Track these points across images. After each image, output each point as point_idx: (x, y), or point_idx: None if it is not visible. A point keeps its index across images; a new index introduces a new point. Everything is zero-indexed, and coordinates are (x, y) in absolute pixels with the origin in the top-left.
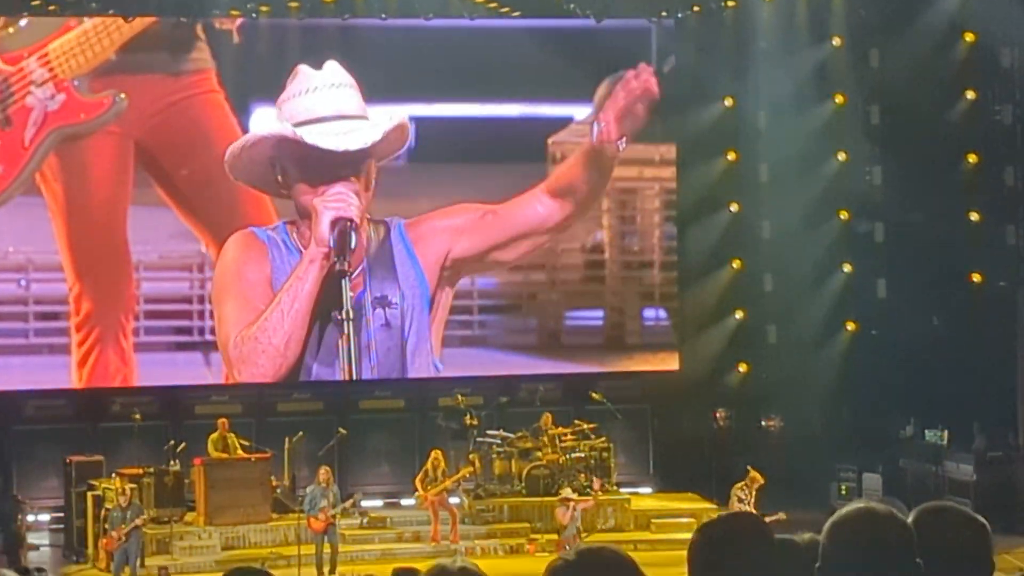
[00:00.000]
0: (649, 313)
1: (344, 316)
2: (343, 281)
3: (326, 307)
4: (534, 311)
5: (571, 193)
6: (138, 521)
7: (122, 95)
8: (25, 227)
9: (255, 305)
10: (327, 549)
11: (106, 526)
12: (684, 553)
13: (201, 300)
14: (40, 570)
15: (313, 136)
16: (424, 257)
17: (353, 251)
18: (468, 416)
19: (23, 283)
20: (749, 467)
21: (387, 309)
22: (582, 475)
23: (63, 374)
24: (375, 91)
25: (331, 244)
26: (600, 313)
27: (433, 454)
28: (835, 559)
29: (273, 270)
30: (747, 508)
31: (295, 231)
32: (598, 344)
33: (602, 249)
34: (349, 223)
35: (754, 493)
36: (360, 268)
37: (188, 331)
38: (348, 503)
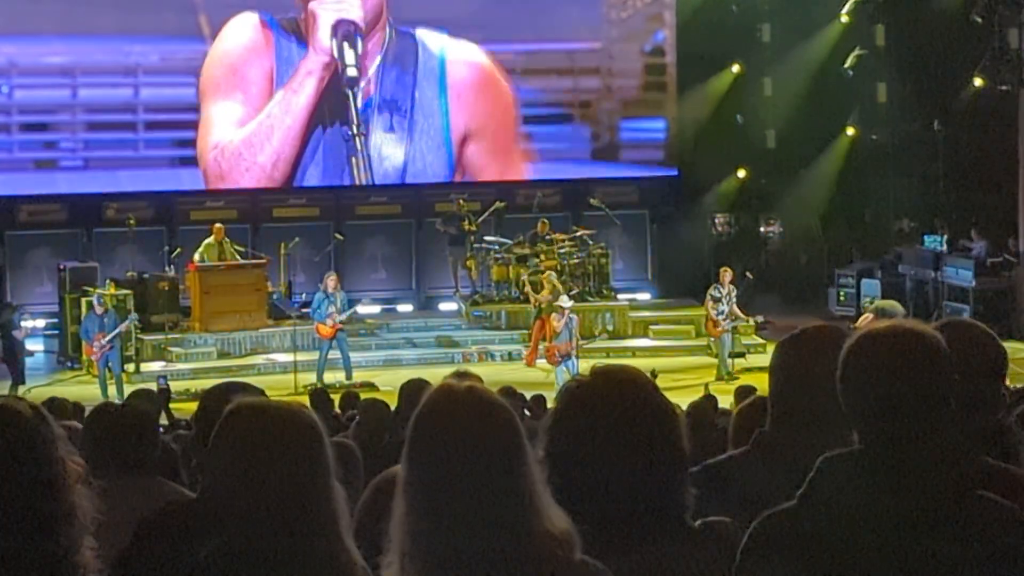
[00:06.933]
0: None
1: (355, 131)
2: (351, 92)
3: (329, 118)
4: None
5: None
6: (119, 329)
7: None
8: None
9: (248, 107)
10: (337, 355)
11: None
12: (682, 359)
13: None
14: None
15: None
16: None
17: (360, 57)
18: (467, 221)
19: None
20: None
21: (395, 115)
22: (579, 281)
23: None
24: None
25: (334, 53)
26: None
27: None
28: (859, 373)
29: (277, 65)
30: (726, 307)
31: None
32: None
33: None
34: (352, 27)
35: (729, 287)
36: (368, 77)
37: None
38: (356, 309)
